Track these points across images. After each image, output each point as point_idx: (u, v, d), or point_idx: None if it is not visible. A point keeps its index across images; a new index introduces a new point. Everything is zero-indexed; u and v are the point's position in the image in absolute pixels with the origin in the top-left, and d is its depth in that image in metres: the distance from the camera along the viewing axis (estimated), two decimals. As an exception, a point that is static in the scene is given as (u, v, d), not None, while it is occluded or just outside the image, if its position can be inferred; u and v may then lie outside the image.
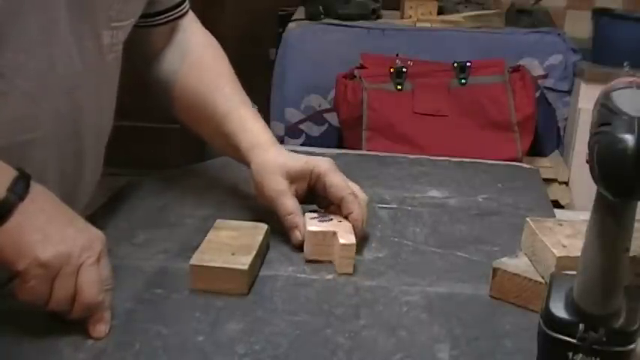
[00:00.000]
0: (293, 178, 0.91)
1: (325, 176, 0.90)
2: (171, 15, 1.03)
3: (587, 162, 0.55)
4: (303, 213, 0.90)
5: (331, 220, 0.89)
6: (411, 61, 2.23)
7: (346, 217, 0.89)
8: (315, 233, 0.87)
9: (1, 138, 0.77)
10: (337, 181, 0.90)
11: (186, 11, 1.06)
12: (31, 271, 0.66)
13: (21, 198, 0.68)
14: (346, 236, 0.85)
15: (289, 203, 0.90)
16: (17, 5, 0.73)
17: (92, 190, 0.97)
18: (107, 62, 0.89)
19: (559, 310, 0.61)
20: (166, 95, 1.04)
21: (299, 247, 0.89)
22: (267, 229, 0.88)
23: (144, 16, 0.96)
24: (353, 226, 0.87)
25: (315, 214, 0.90)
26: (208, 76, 1.02)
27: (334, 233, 0.86)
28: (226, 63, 1.05)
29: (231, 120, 0.97)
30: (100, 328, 0.70)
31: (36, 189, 0.70)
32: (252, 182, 0.94)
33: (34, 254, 0.66)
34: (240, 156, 0.97)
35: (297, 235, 0.89)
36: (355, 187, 0.92)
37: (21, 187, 0.68)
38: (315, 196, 0.93)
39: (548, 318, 0.61)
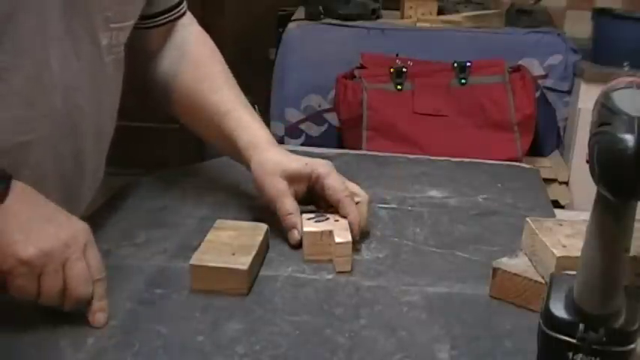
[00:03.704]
0: (292, 179, 0.91)
1: (324, 179, 0.91)
2: (170, 16, 1.02)
3: (587, 162, 0.55)
4: (301, 214, 0.90)
5: (327, 219, 0.89)
6: (411, 61, 2.22)
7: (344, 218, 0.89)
8: (311, 234, 0.87)
9: None
10: (335, 184, 0.90)
11: (184, 12, 1.06)
12: (15, 270, 0.67)
13: (1, 199, 0.68)
14: (342, 234, 0.85)
15: (288, 203, 0.90)
16: (9, 7, 0.72)
17: (94, 191, 0.96)
18: (106, 64, 0.88)
19: (559, 310, 0.61)
20: (165, 96, 1.04)
21: (297, 247, 0.89)
22: (267, 229, 0.88)
23: (141, 17, 0.96)
24: (350, 228, 0.87)
25: (312, 215, 0.90)
26: (207, 76, 1.02)
27: (330, 232, 0.86)
28: (223, 63, 1.05)
29: (229, 120, 0.98)
30: (100, 318, 0.71)
31: (17, 189, 0.70)
32: (253, 181, 0.94)
33: (17, 254, 0.67)
34: (239, 156, 0.97)
35: (295, 234, 0.89)
36: (355, 188, 0.92)
37: (1, 188, 0.68)
38: (314, 198, 0.93)
39: (548, 318, 0.61)
